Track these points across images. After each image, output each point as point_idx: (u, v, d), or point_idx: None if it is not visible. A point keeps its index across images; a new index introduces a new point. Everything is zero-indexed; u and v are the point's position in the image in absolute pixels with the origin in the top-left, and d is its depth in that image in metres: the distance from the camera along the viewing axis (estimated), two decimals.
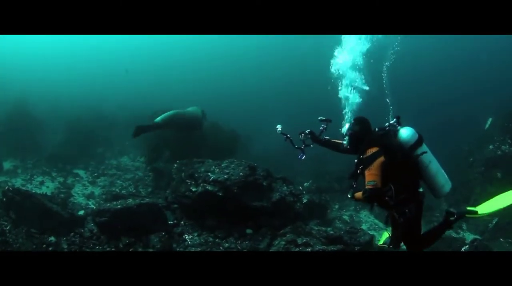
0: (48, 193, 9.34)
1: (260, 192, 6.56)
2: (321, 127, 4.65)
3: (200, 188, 6.52)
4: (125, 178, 11.76)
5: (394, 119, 4.24)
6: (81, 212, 7.69)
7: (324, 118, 4.63)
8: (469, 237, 9.86)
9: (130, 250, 5.93)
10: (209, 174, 6.57)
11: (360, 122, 4.32)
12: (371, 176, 3.86)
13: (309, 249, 5.36)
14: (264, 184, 6.63)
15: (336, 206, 10.97)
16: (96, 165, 12.94)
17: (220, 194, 6.34)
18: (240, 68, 40.18)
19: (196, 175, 6.73)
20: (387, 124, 4.27)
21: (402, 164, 4.01)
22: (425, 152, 4.10)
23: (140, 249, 5.99)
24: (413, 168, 4.10)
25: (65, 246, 5.88)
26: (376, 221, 10.48)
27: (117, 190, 10.44)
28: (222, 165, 6.79)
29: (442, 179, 4.23)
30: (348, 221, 9.70)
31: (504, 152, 12.00)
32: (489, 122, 13.92)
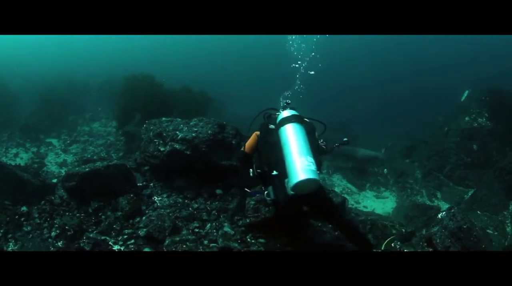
0: (22, 164, 9.32)
1: (229, 150, 6.35)
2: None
3: (168, 147, 6.30)
4: (96, 143, 11.61)
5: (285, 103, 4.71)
6: (55, 181, 7.44)
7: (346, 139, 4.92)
8: (444, 206, 9.95)
9: (100, 214, 5.77)
10: (177, 132, 6.34)
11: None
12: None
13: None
14: (233, 142, 6.41)
15: None
16: (68, 133, 12.79)
17: (188, 153, 6.13)
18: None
19: (164, 134, 6.49)
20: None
21: (269, 142, 4.33)
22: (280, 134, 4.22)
23: (109, 213, 5.82)
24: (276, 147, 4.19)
25: (36, 215, 5.73)
26: (349, 185, 10.57)
27: (89, 156, 10.24)
28: (191, 123, 6.55)
29: (295, 167, 3.88)
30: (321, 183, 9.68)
31: (480, 124, 12.13)
32: (465, 95, 13.99)
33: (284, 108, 4.67)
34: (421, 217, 9.21)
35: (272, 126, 4.37)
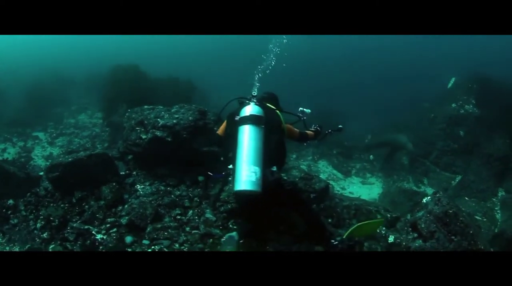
0: (10, 159, 9.43)
1: (211, 137, 6.33)
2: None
3: (149, 134, 6.25)
4: (82, 135, 11.63)
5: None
6: (41, 174, 7.44)
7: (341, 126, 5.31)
8: (431, 192, 9.99)
9: (83, 204, 5.78)
10: (158, 119, 6.29)
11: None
12: None
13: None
14: (215, 128, 6.37)
15: (294, 156, 11.03)
16: (54, 126, 12.75)
17: (169, 139, 6.08)
18: None
19: (146, 122, 6.43)
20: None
21: (231, 135, 4.42)
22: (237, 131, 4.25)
23: (92, 202, 5.83)
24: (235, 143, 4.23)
25: (22, 208, 5.82)
26: (335, 171, 10.61)
27: (74, 148, 10.23)
28: (172, 110, 6.50)
29: (238, 174, 3.98)
30: (306, 170, 9.70)
31: (467, 111, 12.17)
32: (452, 82, 14.04)
33: (251, 100, 4.62)
34: (407, 202, 9.24)
35: (237, 117, 4.33)
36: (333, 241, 4.50)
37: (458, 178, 10.70)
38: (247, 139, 4.09)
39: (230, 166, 4.20)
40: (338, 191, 9.94)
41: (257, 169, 3.93)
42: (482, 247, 4.28)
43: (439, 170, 11.26)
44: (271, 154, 4.24)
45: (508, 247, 6.30)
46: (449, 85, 14.02)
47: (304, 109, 5.21)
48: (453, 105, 12.52)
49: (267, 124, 4.31)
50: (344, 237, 4.60)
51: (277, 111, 4.65)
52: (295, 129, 4.88)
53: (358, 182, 11.13)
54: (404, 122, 13.93)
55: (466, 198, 9.61)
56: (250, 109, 4.29)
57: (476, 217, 8.34)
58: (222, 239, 4.84)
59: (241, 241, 4.66)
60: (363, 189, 10.64)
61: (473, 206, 9.14)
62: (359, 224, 4.95)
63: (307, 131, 5.13)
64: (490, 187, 9.67)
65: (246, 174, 3.89)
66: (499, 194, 9.45)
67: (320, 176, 9.51)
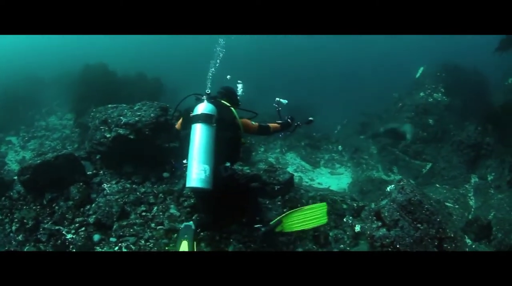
0: None
1: (173, 133, 6.39)
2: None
3: (113, 132, 6.28)
4: (53, 137, 11.60)
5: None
6: (15, 178, 7.42)
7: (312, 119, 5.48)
8: None
9: (53, 205, 5.83)
10: (121, 117, 6.31)
11: None
12: None
13: None
14: (175, 123, 6.45)
15: (262, 149, 11.10)
16: (26, 129, 12.63)
17: (132, 137, 6.12)
18: None
19: (109, 120, 6.45)
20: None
21: (185, 131, 4.50)
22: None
23: (61, 203, 5.86)
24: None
25: None
26: (303, 162, 10.69)
27: (45, 150, 10.15)
28: (135, 108, 6.53)
29: (189, 171, 4.13)
30: (274, 163, 9.76)
31: (436, 100, 12.36)
32: (420, 71, 14.25)
33: (202, 98, 4.62)
34: (376, 191, 9.34)
35: (191, 115, 4.41)
36: (259, 226, 4.65)
37: (429, 166, 10.81)
38: (198, 138, 4.19)
39: (185, 161, 4.28)
40: (306, 182, 10.01)
41: (206, 167, 4.05)
42: (452, 235, 4.34)
43: (409, 158, 11.36)
44: (224, 151, 4.36)
45: (482, 233, 6.42)
46: (418, 75, 14.24)
47: (281, 100, 5.36)
48: (421, 94, 12.73)
49: (220, 122, 4.38)
50: (271, 223, 4.70)
51: (231, 107, 4.72)
52: (253, 123, 4.94)
53: (327, 172, 11.19)
54: (374, 112, 14.07)
55: (437, 185, 9.73)
56: (202, 107, 4.36)
57: (448, 204, 8.40)
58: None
59: (201, 233, 4.78)
60: (331, 179, 10.68)
61: (444, 192, 9.21)
62: (292, 210, 4.98)
63: (271, 124, 5.19)
64: (463, 173, 9.80)
65: (196, 172, 4.02)
66: (472, 181, 9.54)
67: (289, 168, 9.65)
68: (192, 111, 4.41)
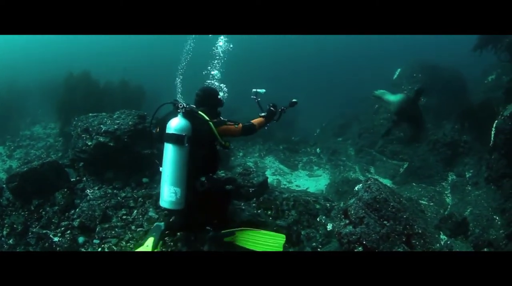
0: None
1: (151, 140, 6.68)
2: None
3: (94, 140, 6.56)
4: (37, 146, 11.75)
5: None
6: (4, 186, 7.63)
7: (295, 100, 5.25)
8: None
9: (40, 210, 6.13)
10: (101, 125, 6.61)
11: None
12: None
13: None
14: (153, 130, 6.73)
15: (241, 154, 11.26)
16: (12, 138, 12.74)
17: (112, 144, 6.41)
18: None
19: (91, 129, 6.74)
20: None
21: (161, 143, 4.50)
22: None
23: (48, 208, 6.18)
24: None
25: None
26: (282, 166, 10.87)
27: (31, 159, 10.36)
28: (114, 116, 6.84)
29: (161, 191, 4.21)
30: (253, 167, 9.92)
31: None
32: (397, 73, 14.52)
33: (181, 109, 4.28)
34: (352, 191, 9.45)
35: (165, 131, 4.25)
36: (209, 228, 4.81)
37: (406, 165, 10.90)
38: (169, 160, 4.12)
39: (161, 169, 4.31)
40: (284, 185, 10.20)
41: (177, 190, 4.10)
42: (420, 231, 4.52)
43: (386, 158, 11.51)
44: (200, 166, 4.33)
45: (458, 230, 6.51)
46: (395, 76, 14.49)
47: (258, 90, 5.13)
48: None
49: (195, 138, 4.21)
50: (223, 232, 4.77)
51: (208, 120, 4.35)
52: (234, 126, 4.56)
53: (305, 175, 11.32)
54: (352, 115, 14.22)
55: (414, 184, 9.80)
56: (175, 124, 4.15)
57: (422, 202, 8.43)
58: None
59: (167, 233, 5.00)
60: (309, 181, 10.82)
61: (419, 191, 9.29)
62: (250, 229, 4.98)
63: (254, 120, 4.93)
64: (439, 172, 9.88)
65: (167, 194, 4.13)
66: (450, 178, 9.57)
67: (267, 172, 9.85)
68: (167, 122, 4.24)
